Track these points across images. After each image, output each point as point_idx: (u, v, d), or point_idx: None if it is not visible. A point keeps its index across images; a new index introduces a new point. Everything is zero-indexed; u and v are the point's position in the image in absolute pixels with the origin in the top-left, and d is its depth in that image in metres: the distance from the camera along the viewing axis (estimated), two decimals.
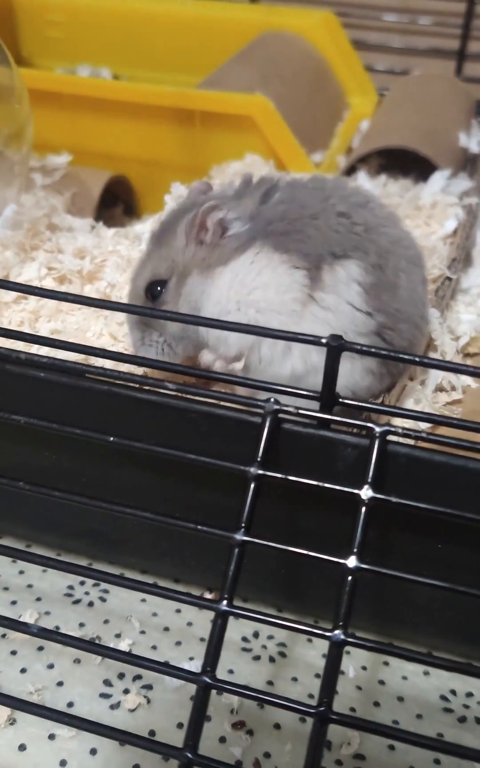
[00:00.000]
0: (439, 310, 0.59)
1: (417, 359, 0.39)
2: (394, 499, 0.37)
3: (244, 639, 0.52)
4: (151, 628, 0.53)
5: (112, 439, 0.40)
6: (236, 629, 0.53)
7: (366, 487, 0.37)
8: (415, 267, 0.52)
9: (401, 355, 0.39)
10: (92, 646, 0.39)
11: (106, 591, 0.55)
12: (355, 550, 0.36)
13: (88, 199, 0.83)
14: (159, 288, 0.51)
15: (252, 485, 0.38)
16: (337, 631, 0.35)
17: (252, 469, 0.38)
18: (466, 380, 0.55)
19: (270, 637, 0.53)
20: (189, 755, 0.35)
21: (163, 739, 0.44)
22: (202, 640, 0.52)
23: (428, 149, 0.83)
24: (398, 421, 0.48)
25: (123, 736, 0.36)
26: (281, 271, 0.49)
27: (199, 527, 0.38)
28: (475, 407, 0.53)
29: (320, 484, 0.38)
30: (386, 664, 0.51)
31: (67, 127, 0.89)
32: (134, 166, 0.90)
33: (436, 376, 0.53)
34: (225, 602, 0.37)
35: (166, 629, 0.53)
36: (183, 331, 0.51)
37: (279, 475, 0.38)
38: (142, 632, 0.52)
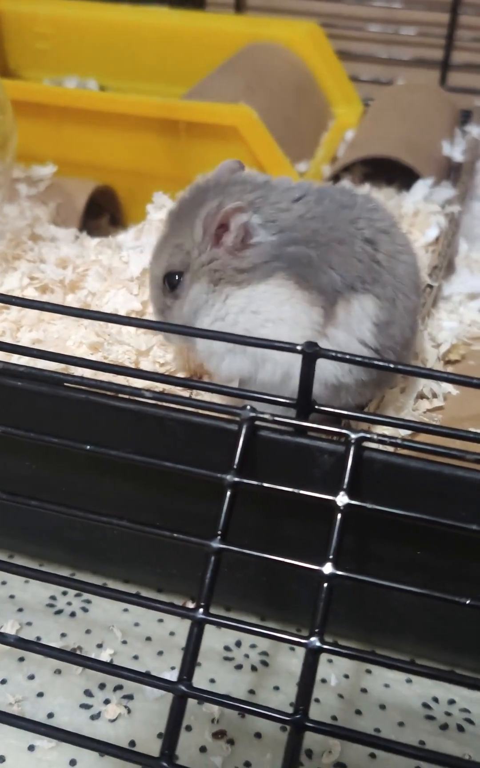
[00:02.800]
0: (420, 318, 0.59)
1: (392, 366, 0.39)
2: (369, 506, 0.37)
3: (226, 648, 0.52)
4: (133, 638, 0.53)
5: (88, 447, 0.40)
6: (218, 638, 0.53)
7: (341, 493, 0.37)
8: (416, 296, 0.52)
9: (377, 363, 0.39)
10: (68, 655, 0.39)
11: (88, 601, 0.55)
12: (330, 556, 0.36)
13: (73, 209, 0.83)
14: (176, 278, 0.50)
15: (228, 493, 0.38)
16: (313, 638, 0.35)
17: (228, 477, 0.38)
18: (447, 387, 0.55)
19: (252, 646, 0.52)
20: (165, 764, 0.35)
21: (144, 749, 0.43)
22: (184, 649, 0.52)
23: (411, 158, 0.83)
24: (377, 429, 0.48)
25: (100, 746, 0.36)
26: (299, 309, 0.48)
27: (175, 535, 0.38)
28: (456, 414, 0.53)
29: (296, 491, 0.38)
30: (368, 672, 0.51)
31: (53, 138, 0.90)
32: (120, 177, 0.90)
33: (417, 383, 0.53)
34: (201, 610, 0.37)
35: (149, 639, 0.53)
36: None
37: (255, 483, 0.38)
38: (124, 642, 0.52)
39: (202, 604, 0.37)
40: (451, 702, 0.49)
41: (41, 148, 0.89)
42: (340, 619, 0.49)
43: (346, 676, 0.51)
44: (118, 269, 0.62)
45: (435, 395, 0.54)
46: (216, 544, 0.37)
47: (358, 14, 1.15)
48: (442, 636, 0.50)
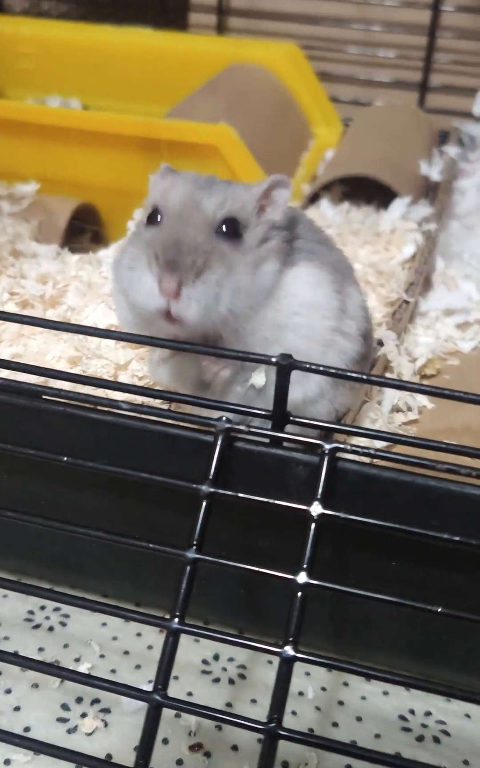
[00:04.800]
0: (396, 333, 0.60)
1: (365, 378, 0.40)
2: (342, 515, 0.38)
3: (204, 662, 0.52)
4: (110, 652, 0.53)
5: (66, 459, 0.41)
6: (196, 652, 0.53)
7: (315, 503, 0.38)
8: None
9: (352, 375, 0.40)
10: (44, 666, 0.39)
11: (66, 616, 0.55)
12: (304, 566, 0.37)
13: (54, 226, 0.83)
14: (237, 229, 0.44)
15: (204, 503, 0.38)
16: (287, 647, 0.36)
17: (203, 488, 0.39)
18: (422, 401, 0.55)
19: (230, 660, 0.52)
20: None
21: (121, 762, 0.44)
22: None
23: (389, 177, 0.84)
24: (353, 441, 0.49)
25: (76, 757, 0.36)
26: (329, 292, 0.47)
27: (151, 545, 0.39)
28: (430, 427, 0.54)
29: (270, 501, 0.39)
30: (345, 684, 0.51)
31: (35, 156, 0.90)
32: (102, 195, 0.91)
33: (391, 396, 0.53)
34: (176, 620, 0.37)
35: (126, 653, 0.53)
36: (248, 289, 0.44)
37: (230, 493, 0.39)
38: (102, 656, 0.52)
39: (177, 614, 0.37)
40: (428, 714, 0.50)
41: (24, 166, 0.90)
42: (316, 632, 0.49)
43: (323, 689, 0.51)
44: (98, 284, 0.62)
45: (410, 408, 0.55)
46: (191, 554, 0.38)
47: (337, 37, 1.17)
48: (417, 649, 0.50)
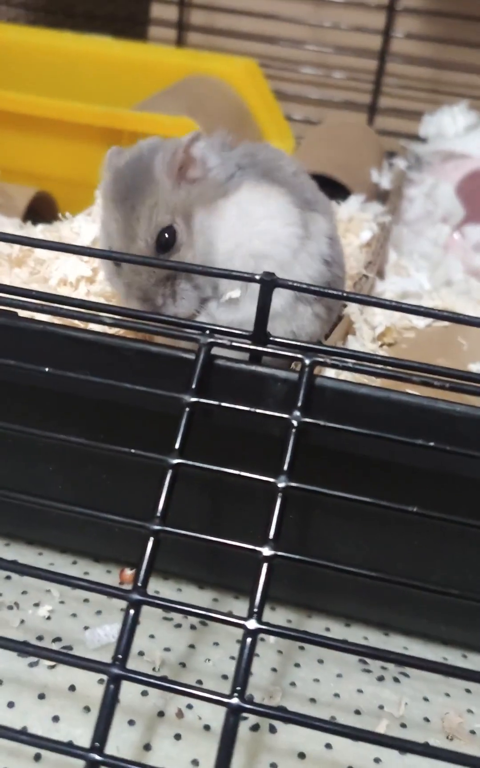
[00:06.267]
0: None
1: (343, 294, 0.41)
2: (322, 423, 0.38)
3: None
4: (70, 598, 0.52)
5: (47, 369, 0.40)
6: None
7: (296, 412, 0.39)
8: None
9: (331, 291, 0.41)
10: None
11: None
12: (285, 468, 0.37)
13: (13, 208, 0.84)
14: (167, 236, 0.48)
15: (186, 411, 0.39)
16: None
17: (186, 397, 0.39)
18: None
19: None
20: (116, 671, 0.34)
21: (83, 693, 0.43)
22: (121, 610, 0.51)
23: (344, 177, 0.88)
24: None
25: (48, 654, 0.36)
26: (284, 203, 0.50)
27: (133, 451, 0.39)
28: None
29: (253, 410, 0.39)
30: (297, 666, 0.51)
31: None
32: (60, 186, 0.92)
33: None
34: (158, 521, 0.37)
35: (86, 601, 0.52)
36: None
37: (212, 402, 0.39)
38: (62, 602, 0.51)
39: (159, 515, 0.37)
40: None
41: None
42: (278, 581, 0.49)
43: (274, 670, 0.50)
44: (69, 238, 0.63)
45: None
46: (174, 460, 0.38)
47: (292, 57, 1.22)
48: (378, 593, 0.51)
